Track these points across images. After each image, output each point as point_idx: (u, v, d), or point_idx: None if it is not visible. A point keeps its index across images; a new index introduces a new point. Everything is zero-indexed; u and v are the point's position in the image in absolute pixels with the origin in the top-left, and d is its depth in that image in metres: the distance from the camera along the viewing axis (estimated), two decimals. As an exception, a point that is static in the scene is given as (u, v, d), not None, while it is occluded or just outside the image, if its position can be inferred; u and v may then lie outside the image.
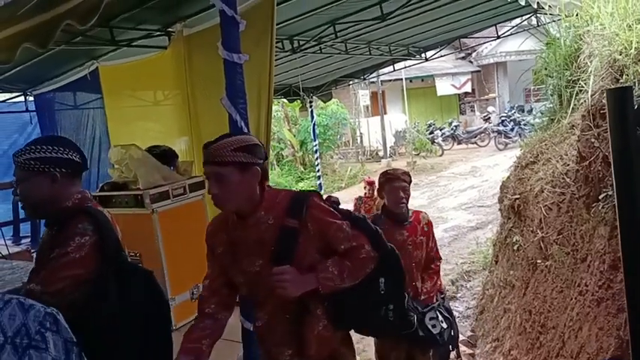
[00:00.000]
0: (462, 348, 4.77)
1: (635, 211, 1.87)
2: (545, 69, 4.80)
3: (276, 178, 15.56)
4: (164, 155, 3.68)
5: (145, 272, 2.10)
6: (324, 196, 2.20)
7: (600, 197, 2.88)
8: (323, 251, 2.02)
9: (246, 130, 2.60)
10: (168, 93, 4.89)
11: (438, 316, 3.38)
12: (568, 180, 3.52)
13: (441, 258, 3.63)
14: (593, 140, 2.90)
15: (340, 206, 2.17)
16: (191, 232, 3.07)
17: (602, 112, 2.70)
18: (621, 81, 2.77)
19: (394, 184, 3.31)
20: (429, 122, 20.56)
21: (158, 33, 4.50)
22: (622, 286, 2.26)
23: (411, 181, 3.37)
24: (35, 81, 6.16)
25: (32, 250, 4.71)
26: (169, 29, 4.43)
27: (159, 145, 3.86)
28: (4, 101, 7.12)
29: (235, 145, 1.92)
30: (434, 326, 3.33)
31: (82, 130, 6.40)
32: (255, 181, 1.96)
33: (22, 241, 5.71)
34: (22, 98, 6.81)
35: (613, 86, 2.73)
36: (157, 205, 3.21)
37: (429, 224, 3.51)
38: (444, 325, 3.37)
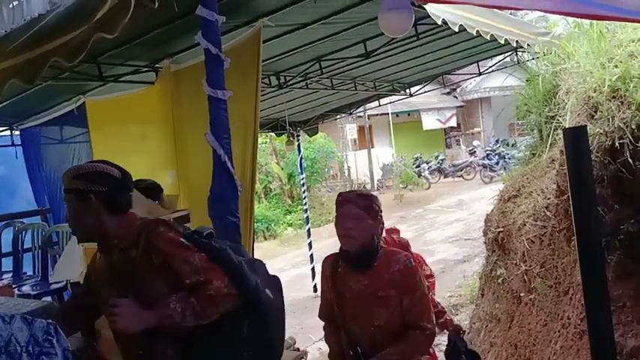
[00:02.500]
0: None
1: (590, 242, 1.94)
2: (526, 105, 4.92)
3: (264, 210, 15.51)
4: (149, 189, 3.68)
5: None
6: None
7: (580, 230, 2.93)
8: (175, 285, 1.82)
9: (229, 165, 2.63)
10: (155, 127, 4.91)
11: None
12: (549, 213, 3.58)
13: (428, 328, 2.33)
14: (571, 174, 2.96)
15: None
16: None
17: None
18: (595, 117, 2.86)
19: (341, 209, 2.37)
20: (415, 156, 20.76)
21: (146, 69, 4.56)
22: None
23: (371, 206, 2.35)
24: (22, 115, 6.16)
25: (14, 286, 4.62)
26: (157, 65, 4.49)
27: (144, 179, 3.85)
28: (-11, 135, 7.09)
29: (76, 173, 1.91)
30: None
31: (68, 164, 6.35)
32: (94, 211, 1.85)
33: (4, 276, 5.61)
34: (8, 132, 6.80)
35: (588, 122, 2.82)
36: (140, 239, 3.19)
37: (409, 273, 2.30)
38: None
